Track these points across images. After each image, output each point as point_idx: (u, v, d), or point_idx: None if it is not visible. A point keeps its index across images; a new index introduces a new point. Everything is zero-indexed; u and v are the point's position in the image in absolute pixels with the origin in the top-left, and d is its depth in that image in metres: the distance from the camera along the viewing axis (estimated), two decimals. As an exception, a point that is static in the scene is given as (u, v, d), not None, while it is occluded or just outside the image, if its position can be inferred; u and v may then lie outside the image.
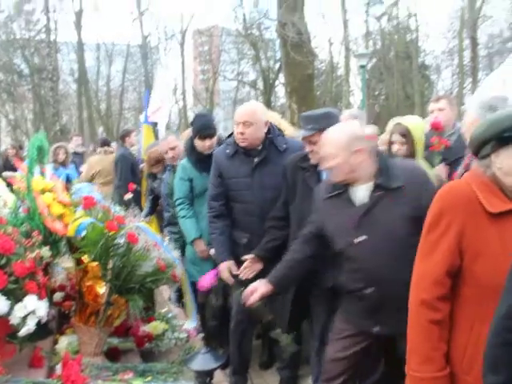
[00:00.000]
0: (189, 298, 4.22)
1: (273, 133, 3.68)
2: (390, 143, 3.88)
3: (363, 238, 2.64)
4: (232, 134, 3.78)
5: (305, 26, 15.33)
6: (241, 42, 33.18)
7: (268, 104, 30.77)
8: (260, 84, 34.13)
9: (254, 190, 3.63)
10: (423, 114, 33.10)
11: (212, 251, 4.14)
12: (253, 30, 29.54)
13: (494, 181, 1.94)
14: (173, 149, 5.15)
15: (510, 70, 9.16)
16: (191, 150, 4.42)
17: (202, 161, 4.33)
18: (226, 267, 3.77)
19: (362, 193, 2.69)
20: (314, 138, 3.14)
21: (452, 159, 3.86)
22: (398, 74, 31.44)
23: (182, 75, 34.86)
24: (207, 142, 4.29)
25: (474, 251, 1.92)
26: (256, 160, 3.62)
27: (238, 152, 3.69)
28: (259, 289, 2.96)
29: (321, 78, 35.40)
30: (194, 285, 4.40)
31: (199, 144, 4.32)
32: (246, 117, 3.55)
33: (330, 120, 3.09)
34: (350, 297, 2.81)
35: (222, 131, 6.34)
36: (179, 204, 4.49)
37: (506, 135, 1.87)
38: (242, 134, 3.57)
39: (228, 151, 3.71)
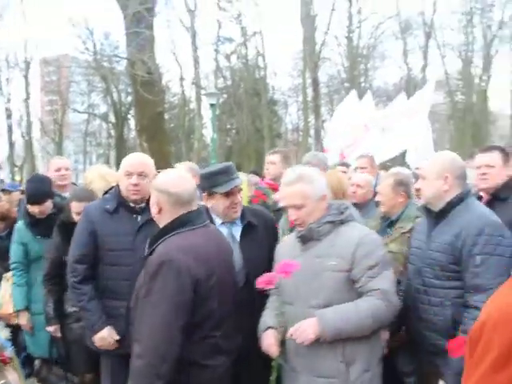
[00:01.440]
0: (21, 376, 3.78)
1: None
2: None
3: None
4: (110, 190, 3.45)
5: (155, 64, 15.50)
6: (91, 73, 32.45)
7: (121, 137, 30.38)
8: (112, 117, 33.56)
9: (137, 251, 3.05)
10: (272, 147, 34.83)
11: (50, 328, 3.91)
12: (103, 62, 29.08)
13: None
14: (65, 169, 4.95)
15: (348, 114, 10.19)
16: (26, 212, 4.23)
17: (35, 224, 4.17)
18: (106, 335, 3.20)
19: None
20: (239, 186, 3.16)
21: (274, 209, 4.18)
22: (248, 110, 32.78)
23: (27, 106, 33.10)
24: (36, 208, 4.14)
25: None
26: (141, 218, 3.25)
27: (120, 208, 3.30)
28: None
29: (173, 111, 35.81)
30: (29, 359, 4.20)
31: (30, 208, 4.18)
32: (142, 167, 3.26)
33: None
34: None
35: (73, 163, 6.04)
36: (13, 269, 4.24)
37: None
38: (136, 185, 3.21)
39: (108, 206, 3.27)
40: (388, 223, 3.72)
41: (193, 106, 33.53)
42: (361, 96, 11.50)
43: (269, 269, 2.66)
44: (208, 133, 31.47)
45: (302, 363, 2.54)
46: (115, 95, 31.93)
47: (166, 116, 31.77)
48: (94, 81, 33.77)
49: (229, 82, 34.79)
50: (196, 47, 29.39)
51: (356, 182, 4.31)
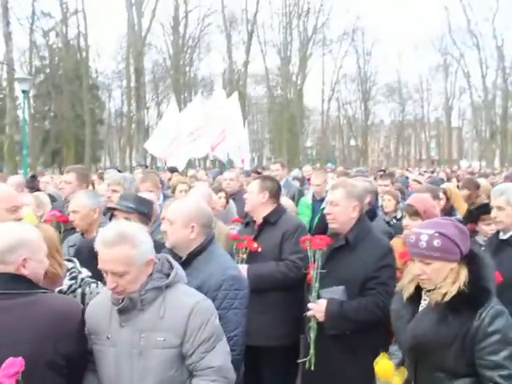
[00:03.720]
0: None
1: None
2: None
3: None
4: None
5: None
6: None
7: None
8: None
9: None
10: (94, 134, 33.60)
11: None
12: None
13: None
14: None
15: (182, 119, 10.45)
16: None
17: None
18: None
19: None
20: None
21: None
22: (68, 93, 31.19)
23: None
24: None
25: None
26: None
27: None
28: None
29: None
30: None
31: None
32: (21, 199, 3.29)
33: None
34: None
35: None
36: None
37: None
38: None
39: None
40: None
41: (5, 84, 30.86)
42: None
43: None
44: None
45: None
46: None
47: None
48: None
49: (46, 62, 32.73)
50: (8, 22, 27.07)
51: None
